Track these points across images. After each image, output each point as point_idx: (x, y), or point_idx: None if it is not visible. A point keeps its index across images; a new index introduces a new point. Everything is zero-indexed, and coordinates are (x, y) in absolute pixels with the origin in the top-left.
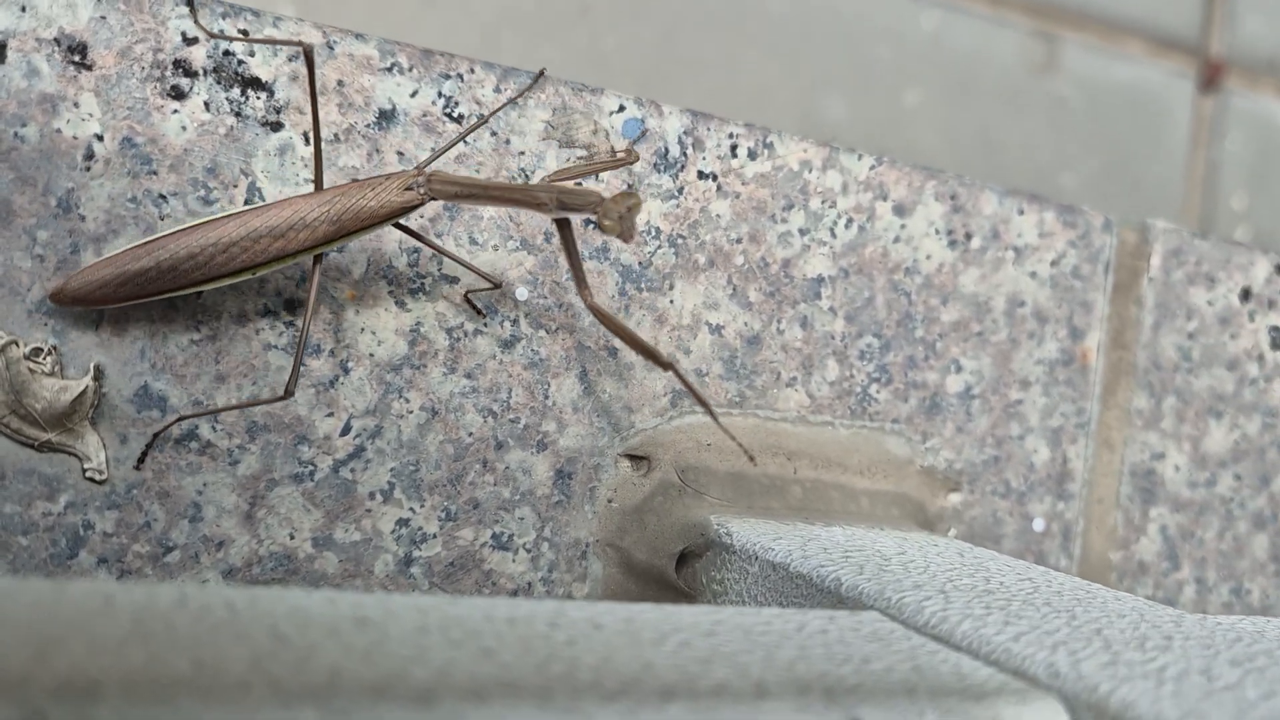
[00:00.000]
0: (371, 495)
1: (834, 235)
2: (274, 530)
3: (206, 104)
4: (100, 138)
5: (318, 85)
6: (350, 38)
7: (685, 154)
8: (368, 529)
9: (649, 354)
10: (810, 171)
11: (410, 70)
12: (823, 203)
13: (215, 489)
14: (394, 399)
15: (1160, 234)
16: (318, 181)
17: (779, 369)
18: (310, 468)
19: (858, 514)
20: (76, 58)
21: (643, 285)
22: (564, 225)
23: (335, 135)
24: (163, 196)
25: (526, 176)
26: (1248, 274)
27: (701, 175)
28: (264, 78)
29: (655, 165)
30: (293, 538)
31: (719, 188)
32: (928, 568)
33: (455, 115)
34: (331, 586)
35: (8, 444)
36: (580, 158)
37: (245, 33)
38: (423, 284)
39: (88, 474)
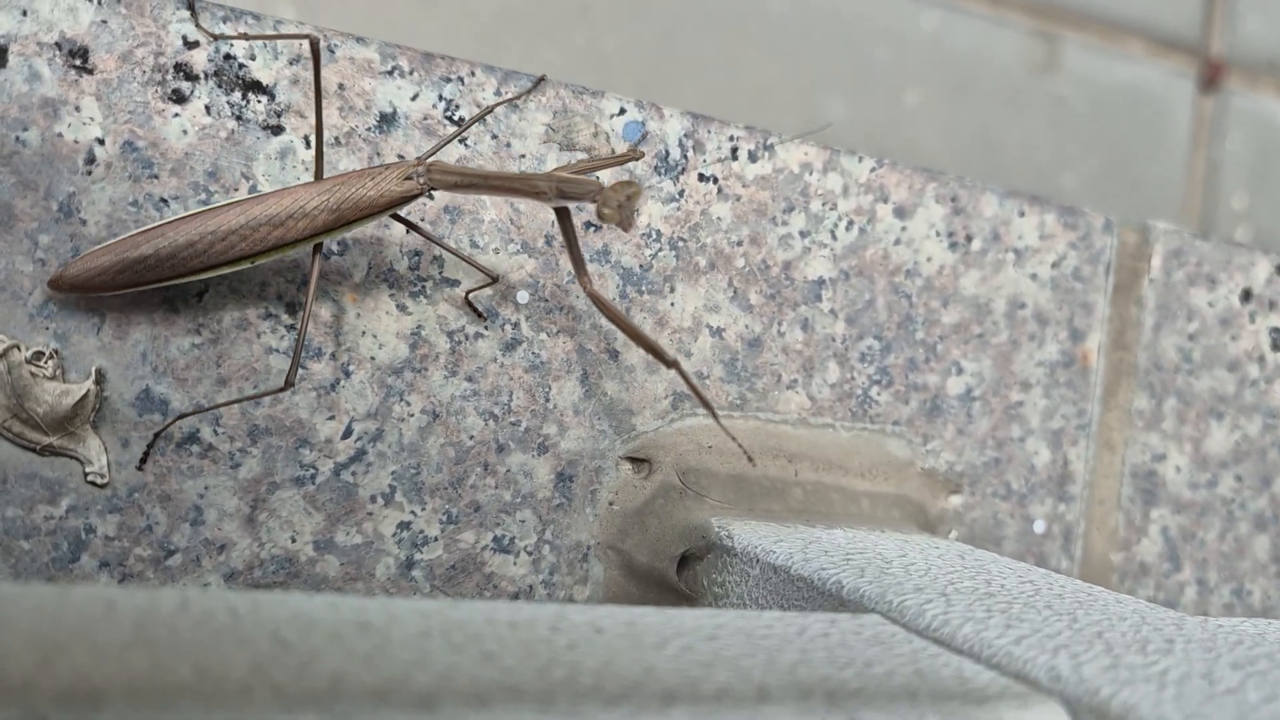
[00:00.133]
0: (373, 498)
1: (835, 237)
2: (275, 533)
3: (207, 107)
4: (101, 142)
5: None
6: (351, 41)
7: (686, 156)
8: (369, 532)
9: (650, 348)
10: (811, 174)
11: (411, 73)
12: (823, 205)
13: (217, 492)
14: (395, 402)
15: (1161, 235)
16: (318, 171)
17: (780, 371)
18: (311, 471)
19: (859, 516)
20: (78, 62)
21: (643, 288)
22: (564, 214)
23: (336, 138)
24: (164, 200)
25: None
26: (1248, 275)
27: (702, 178)
28: (265, 81)
29: (656, 168)
30: (294, 541)
31: (720, 190)
32: (929, 570)
33: (456, 118)
34: (333, 590)
35: (9, 448)
36: (583, 158)
37: (245, 36)
38: (423, 287)
39: (89, 478)
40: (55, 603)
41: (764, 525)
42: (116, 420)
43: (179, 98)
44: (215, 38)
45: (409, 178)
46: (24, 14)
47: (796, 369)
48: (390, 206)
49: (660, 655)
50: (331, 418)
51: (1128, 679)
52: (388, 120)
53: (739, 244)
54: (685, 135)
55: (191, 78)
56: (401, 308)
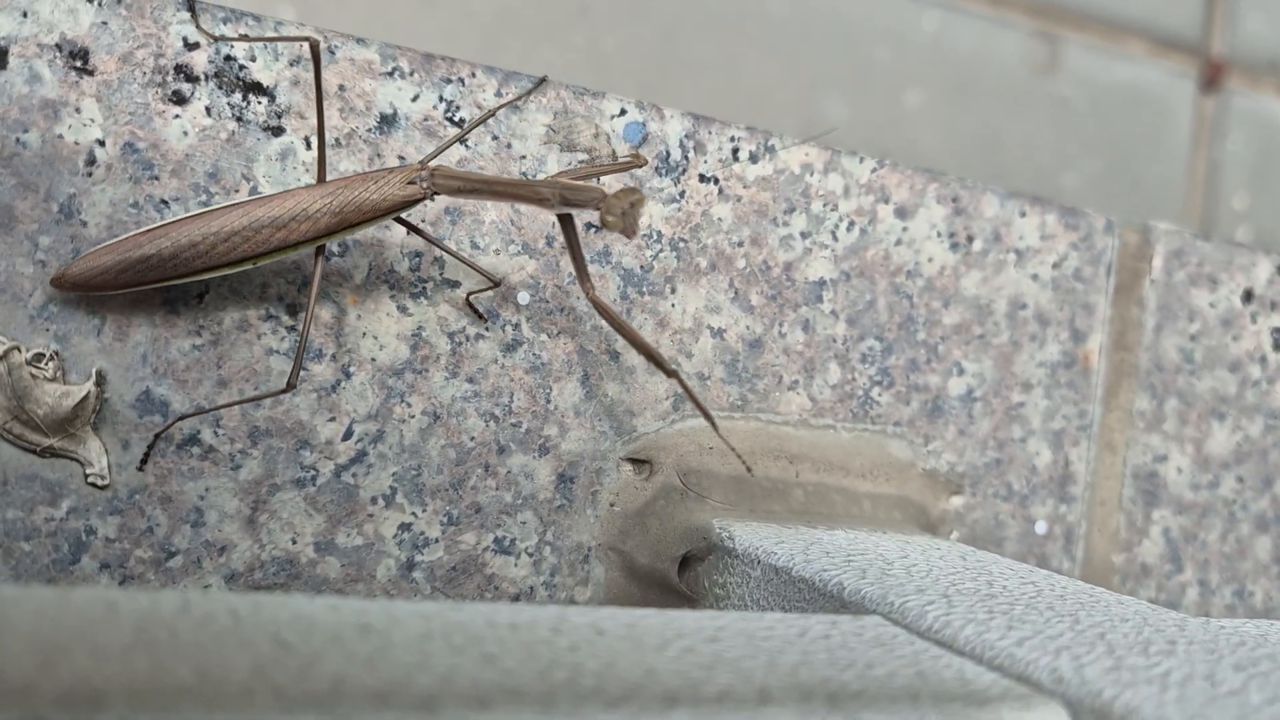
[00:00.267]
0: (373, 500)
1: (835, 238)
2: (276, 535)
3: (208, 109)
4: (102, 143)
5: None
6: (351, 42)
7: (687, 157)
8: (370, 534)
9: (651, 356)
10: (812, 175)
11: (411, 74)
12: (824, 206)
13: (217, 494)
14: (396, 403)
15: (1162, 235)
16: (320, 174)
17: (781, 372)
18: (312, 472)
19: (860, 517)
20: (78, 63)
21: (644, 289)
22: (567, 221)
23: (336, 140)
24: (164, 202)
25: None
26: (1250, 275)
27: (703, 178)
28: (265, 82)
29: (657, 169)
30: (295, 542)
31: (720, 191)
32: (930, 571)
33: (457, 119)
34: (333, 591)
35: (10, 449)
36: (584, 161)
37: (245, 38)
38: (424, 288)
39: (90, 479)
40: (56, 605)
41: (765, 526)
42: (117, 422)
43: (179, 99)
44: (215, 39)
45: (412, 182)
46: (24, 15)
47: (797, 370)
48: (393, 210)
49: (661, 657)
50: (332, 419)
51: (1130, 681)
52: (388, 121)
53: (740, 245)
54: (686, 136)
55: (192, 79)
56: (402, 309)
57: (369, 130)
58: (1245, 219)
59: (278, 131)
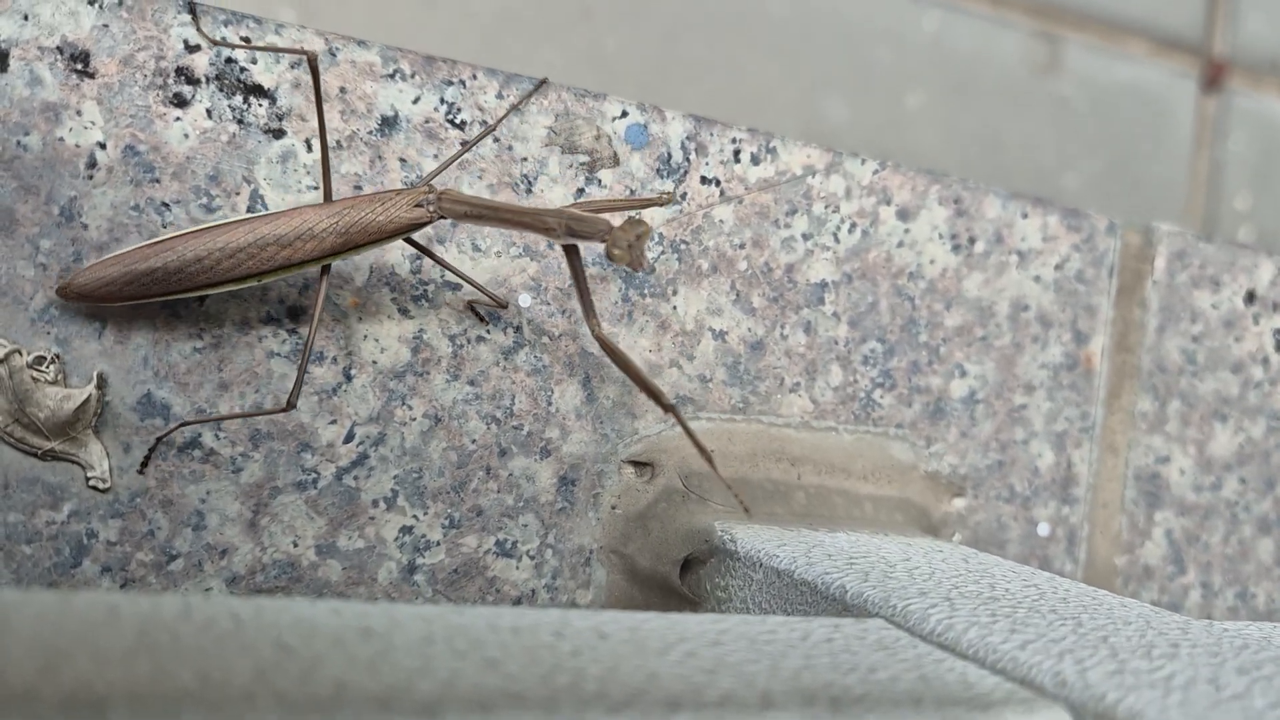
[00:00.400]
0: (375, 503)
1: (837, 240)
2: (277, 538)
3: (209, 111)
4: (103, 146)
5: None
6: (352, 44)
7: (688, 159)
8: (371, 537)
9: (651, 393)
10: (813, 176)
11: (412, 77)
12: (826, 208)
13: (218, 497)
14: (397, 406)
15: (1164, 237)
16: (326, 192)
17: (782, 374)
18: (313, 475)
19: (862, 520)
20: (79, 66)
21: (646, 292)
22: (572, 252)
23: (338, 142)
24: (165, 204)
25: (529, 182)
26: (1252, 277)
27: (704, 181)
28: (266, 85)
29: (658, 171)
30: (296, 545)
31: (722, 193)
32: (932, 574)
33: (458, 122)
34: (335, 594)
35: (11, 453)
36: (606, 198)
37: (247, 40)
38: (425, 291)
39: (91, 482)
40: (58, 609)
41: (767, 529)
42: (118, 425)
43: (180, 102)
44: (215, 44)
45: (419, 204)
46: (25, 18)
47: (799, 372)
48: (399, 233)
49: (664, 661)
50: (333, 422)
51: (1133, 684)
52: (389, 124)
53: (741, 247)
54: (687, 138)
55: (193, 81)
56: (404, 311)
57: (370, 133)
58: (1247, 219)
59: (279, 134)
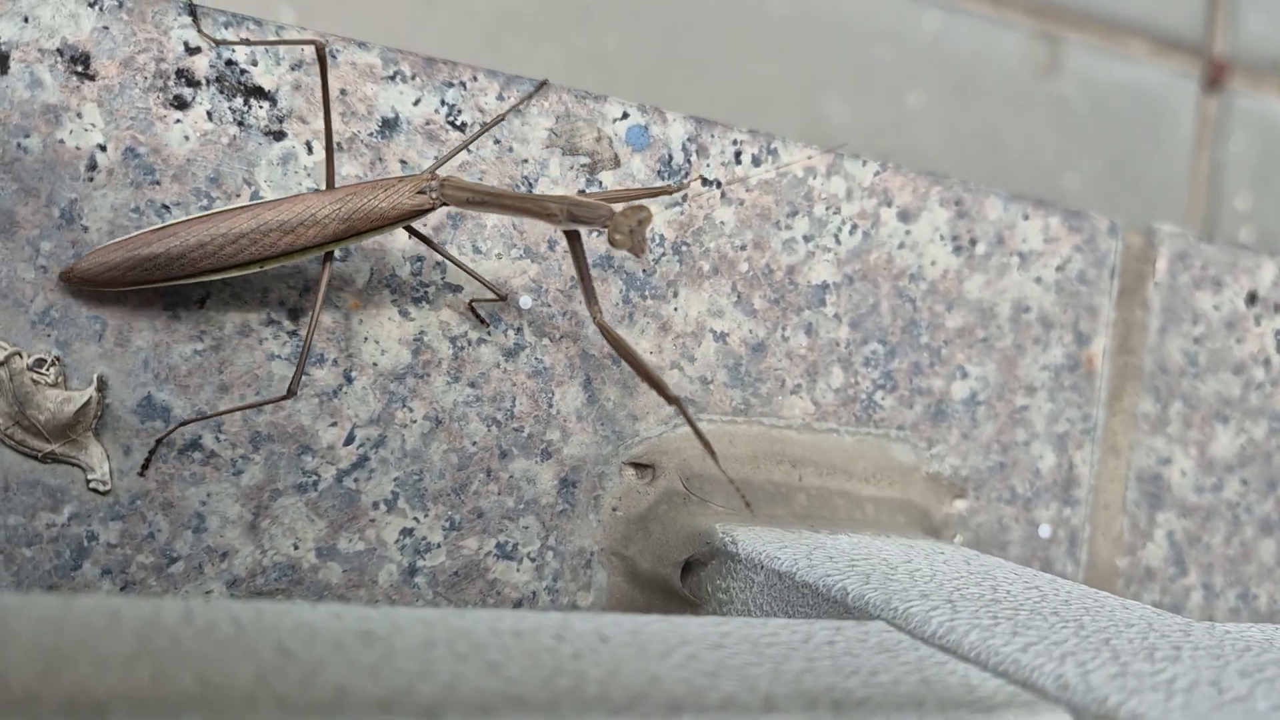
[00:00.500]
0: (375, 505)
1: (838, 242)
2: (278, 540)
3: (209, 113)
4: (103, 148)
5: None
6: (353, 46)
7: (689, 161)
8: (372, 539)
9: (656, 384)
10: (814, 178)
11: (413, 78)
12: (827, 209)
13: (219, 499)
14: (397, 408)
15: (1166, 238)
16: (330, 180)
17: (784, 376)
18: (314, 478)
19: (863, 521)
20: (79, 68)
21: (647, 293)
22: (574, 238)
23: (338, 144)
24: (166, 207)
25: (530, 184)
26: (1254, 278)
27: (705, 182)
28: (267, 87)
29: (659, 172)
30: (296, 548)
31: (723, 194)
32: (934, 576)
33: (458, 123)
34: (335, 597)
35: (11, 455)
36: (617, 188)
37: (248, 42)
38: (426, 293)
39: (91, 485)
40: (58, 613)
41: (768, 531)
42: (118, 427)
43: (181, 104)
44: (218, 43)
45: (422, 191)
46: (25, 20)
47: (800, 374)
48: (402, 219)
49: (665, 664)
50: (334, 424)
51: (1135, 687)
52: (390, 125)
53: (743, 248)
54: (688, 139)
55: (193, 84)
56: (404, 313)
57: (370, 134)
58: (1248, 219)
59: (279, 136)
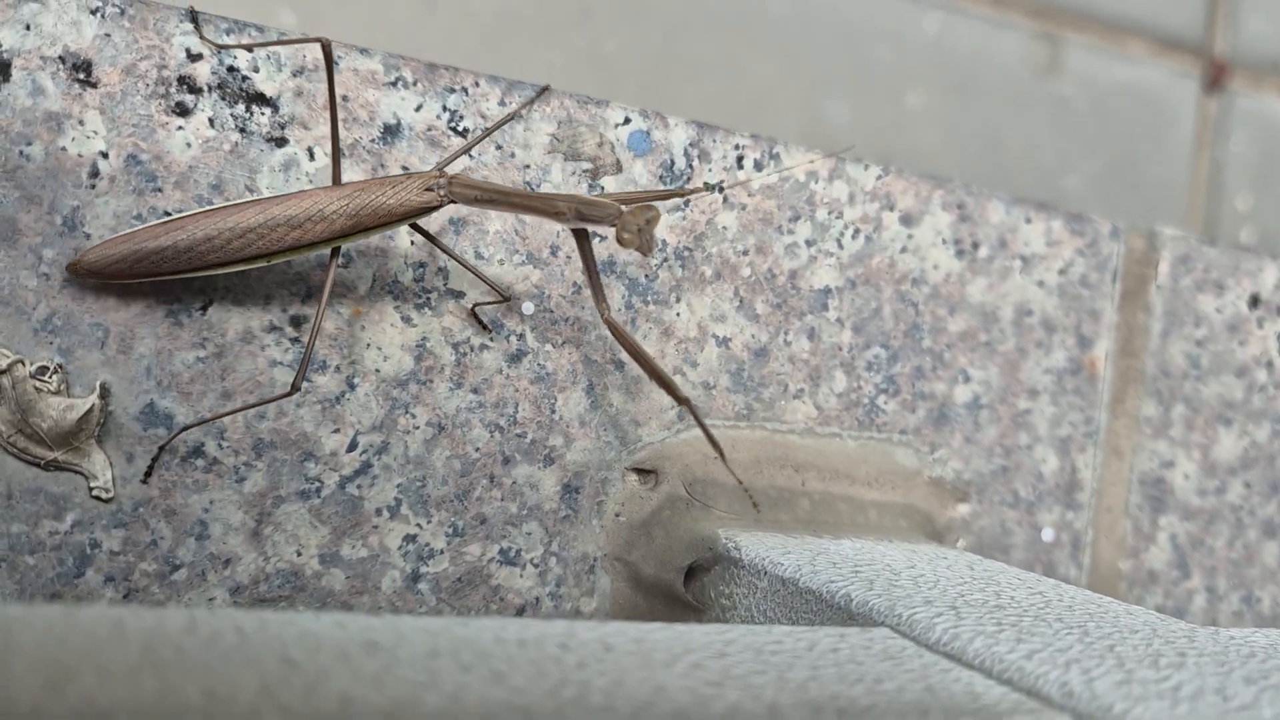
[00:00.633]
0: (378, 511)
1: (841, 246)
2: (281, 547)
3: (211, 120)
4: (105, 155)
5: (324, 97)
6: (355, 52)
7: (691, 166)
8: (375, 545)
9: (665, 383)
10: (816, 182)
11: (415, 84)
12: (829, 213)
13: (222, 506)
14: (400, 415)
15: (1168, 241)
16: (335, 175)
17: (786, 381)
18: (317, 484)
19: (866, 526)
20: (81, 75)
21: (649, 298)
22: (582, 236)
23: (340, 149)
24: (168, 214)
25: (532, 190)
26: (1256, 280)
27: (707, 186)
28: (269, 93)
29: (661, 178)
30: (300, 555)
31: (725, 199)
32: (938, 582)
33: (460, 129)
34: (339, 604)
35: (14, 463)
36: (640, 189)
37: (253, 45)
38: (428, 299)
39: (94, 492)
40: (62, 624)
41: (771, 536)
42: (121, 434)
43: (183, 111)
44: (221, 48)
45: (429, 188)
46: (27, 28)
47: (803, 378)
48: (409, 216)
49: (670, 673)
50: (336, 431)
51: (1140, 695)
52: (392, 132)
53: (745, 253)
54: (690, 144)
55: (195, 90)
56: (406, 319)
57: (373, 141)
58: (1249, 220)
59: (281, 142)
